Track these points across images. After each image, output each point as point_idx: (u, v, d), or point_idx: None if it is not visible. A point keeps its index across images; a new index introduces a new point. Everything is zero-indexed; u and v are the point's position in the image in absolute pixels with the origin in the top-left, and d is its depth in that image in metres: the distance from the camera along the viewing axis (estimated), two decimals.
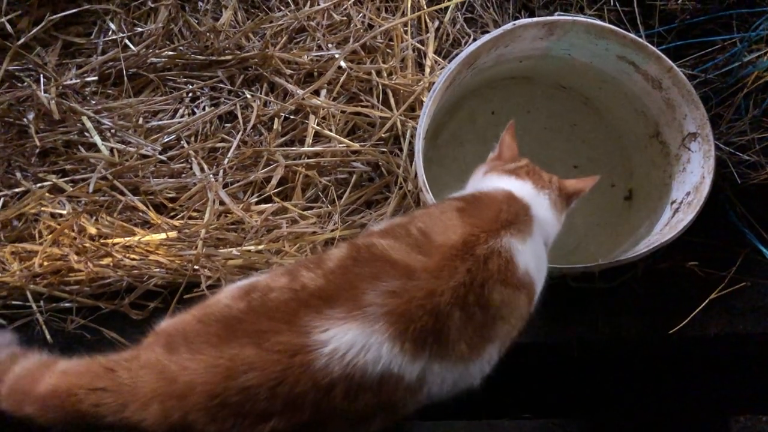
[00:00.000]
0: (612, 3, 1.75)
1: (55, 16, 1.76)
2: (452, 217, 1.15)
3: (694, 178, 1.56)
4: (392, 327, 1.00)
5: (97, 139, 1.68)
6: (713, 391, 1.58)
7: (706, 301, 1.47)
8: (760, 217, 1.62)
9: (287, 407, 0.99)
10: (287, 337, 0.99)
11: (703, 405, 1.57)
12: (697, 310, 1.46)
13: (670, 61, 1.56)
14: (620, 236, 1.74)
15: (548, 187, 1.28)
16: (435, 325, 1.02)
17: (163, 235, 1.53)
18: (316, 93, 1.73)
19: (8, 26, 1.73)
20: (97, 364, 1.10)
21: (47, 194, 1.62)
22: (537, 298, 1.17)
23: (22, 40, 1.73)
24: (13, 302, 1.51)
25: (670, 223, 1.56)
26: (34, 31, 1.75)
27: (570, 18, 1.59)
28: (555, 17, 1.59)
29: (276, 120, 1.71)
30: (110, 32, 1.80)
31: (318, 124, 1.69)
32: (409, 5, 1.80)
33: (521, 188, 1.25)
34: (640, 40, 1.57)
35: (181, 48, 1.77)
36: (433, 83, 1.73)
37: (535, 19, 1.56)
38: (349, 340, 0.99)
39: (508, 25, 1.55)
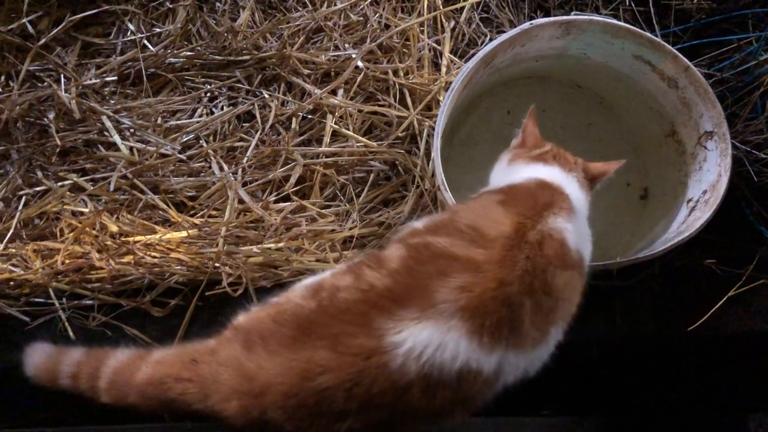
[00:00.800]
0: (627, 2, 1.76)
1: (74, 17, 1.78)
2: (497, 211, 1.17)
3: (710, 177, 1.57)
4: (468, 322, 1.01)
5: (116, 138, 1.69)
6: (731, 388, 1.59)
7: (725, 298, 1.48)
8: None
9: (364, 407, 1.01)
10: (361, 340, 1.01)
11: (721, 402, 1.58)
12: (716, 307, 1.46)
13: (686, 60, 1.57)
14: (636, 234, 1.75)
15: (575, 170, 1.31)
16: (510, 315, 1.04)
17: (183, 233, 1.54)
18: (334, 92, 1.75)
19: (29, 27, 1.75)
20: (185, 354, 1.15)
21: (68, 193, 1.64)
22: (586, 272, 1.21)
23: (42, 41, 1.75)
24: (36, 299, 1.53)
25: (687, 222, 1.56)
26: (54, 31, 1.77)
27: (586, 18, 1.60)
28: (572, 17, 1.60)
29: (294, 119, 1.72)
30: (129, 33, 1.82)
31: (335, 124, 1.71)
32: (425, 5, 1.82)
33: (551, 173, 1.28)
34: (656, 39, 1.58)
35: (199, 48, 1.79)
36: (450, 83, 1.74)
37: (552, 19, 1.58)
38: (424, 339, 1.00)
39: (525, 25, 1.56)
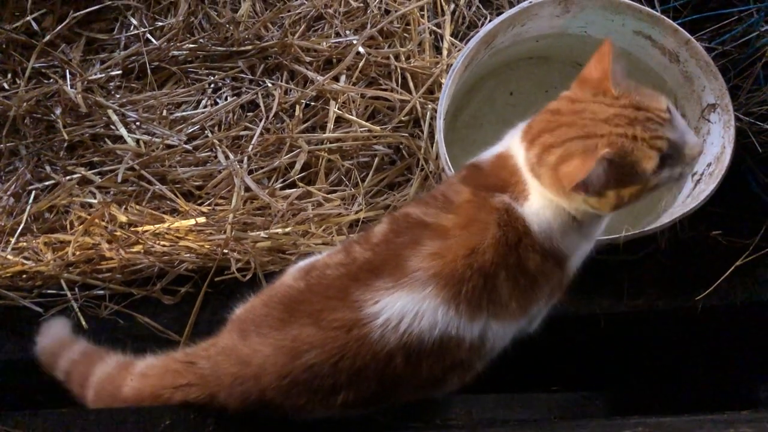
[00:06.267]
0: None
1: (78, 13, 1.80)
2: (458, 180, 1.16)
3: (714, 149, 1.57)
4: (443, 290, 1.01)
5: (123, 131, 1.71)
6: (741, 359, 1.59)
7: (732, 268, 1.48)
8: None
9: (352, 380, 1.02)
10: (342, 313, 1.02)
11: (732, 373, 1.58)
12: (723, 277, 1.46)
13: (687, 34, 1.57)
14: (641, 211, 1.74)
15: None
16: (486, 284, 1.03)
17: (192, 221, 1.56)
18: (336, 79, 1.76)
19: (34, 24, 1.77)
20: (175, 361, 1.14)
21: (77, 186, 1.66)
22: (571, 267, 1.15)
23: (47, 38, 1.77)
24: (48, 291, 1.55)
25: (692, 195, 1.56)
26: (59, 28, 1.79)
27: None
28: None
29: (297, 107, 1.74)
30: (132, 27, 1.84)
31: (339, 109, 1.72)
32: None
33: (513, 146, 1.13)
34: (656, 13, 1.58)
35: (201, 40, 1.80)
36: (451, 65, 1.75)
37: None
38: (399, 309, 1.01)
39: (525, 3, 1.56)
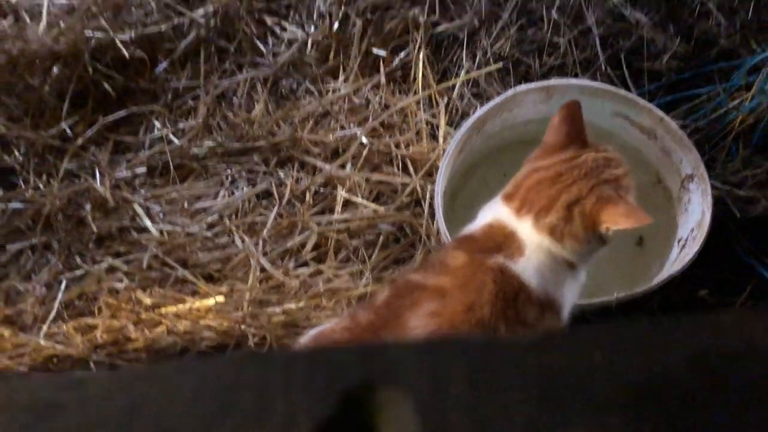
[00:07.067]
0: (603, 68, 1.93)
1: (106, 119, 1.99)
2: (453, 248, 1.28)
3: (695, 216, 1.68)
4: None
5: (147, 222, 1.86)
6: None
7: None
8: (763, 247, 1.72)
9: None
10: None
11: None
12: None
13: (660, 112, 1.72)
14: (634, 277, 1.83)
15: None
16: None
17: (211, 301, 1.67)
18: (342, 166, 1.92)
19: (68, 130, 1.96)
20: None
21: (104, 274, 1.79)
22: (565, 316, 1.24)
23: (79, 142, 1.95)
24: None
25: (679, 258, 1.67)
26: (89, 133, 1.97)
27: (565, 81, 1.78)
28: (552, 81, 1.77)
29: (307, 193, 1.88)
30: (155, 129, 2.02)
31: (346, 193, 1.87)
32: (419, 85, 2.01)
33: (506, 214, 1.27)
34: (631, 95, 1.74)
35: (219, 138, 1.98)
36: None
37: (533, 84, 1.75)
38: None
39: (510, 92, 1.73)
